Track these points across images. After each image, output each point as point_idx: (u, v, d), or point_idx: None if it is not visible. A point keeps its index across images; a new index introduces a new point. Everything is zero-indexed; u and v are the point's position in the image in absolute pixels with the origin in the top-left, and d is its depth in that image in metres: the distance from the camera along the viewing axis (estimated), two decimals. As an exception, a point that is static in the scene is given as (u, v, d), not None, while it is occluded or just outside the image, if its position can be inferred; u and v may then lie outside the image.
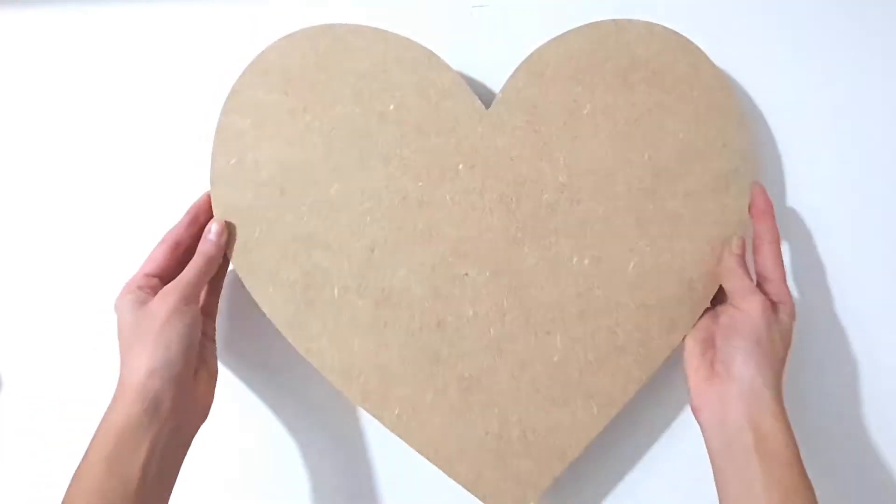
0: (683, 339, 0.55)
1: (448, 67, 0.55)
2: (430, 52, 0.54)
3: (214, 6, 0.59)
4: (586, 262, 0.55)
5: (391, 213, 0.54)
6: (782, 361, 0.52)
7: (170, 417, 0.49)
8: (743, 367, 0.50)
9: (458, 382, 0.55)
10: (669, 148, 0.55)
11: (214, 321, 0.57)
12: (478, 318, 0.55)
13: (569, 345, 0.55)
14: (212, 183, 0.54)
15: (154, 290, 0.52)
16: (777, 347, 0.51)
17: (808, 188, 0.61)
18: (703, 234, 0.55)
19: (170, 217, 0.54)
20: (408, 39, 0.54)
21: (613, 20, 0.55)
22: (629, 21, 0.55)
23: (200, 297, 0.55)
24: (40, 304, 0.60)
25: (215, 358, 0.56)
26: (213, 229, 0.53)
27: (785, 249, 0.60)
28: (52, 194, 0.60)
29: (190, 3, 0.59)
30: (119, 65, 0.60)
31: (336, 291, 0.54)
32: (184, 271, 0.52)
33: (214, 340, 0.56)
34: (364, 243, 0.54)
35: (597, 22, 0.55)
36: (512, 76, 0.55)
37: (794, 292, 0.60)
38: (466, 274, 0.55)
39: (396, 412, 0.54)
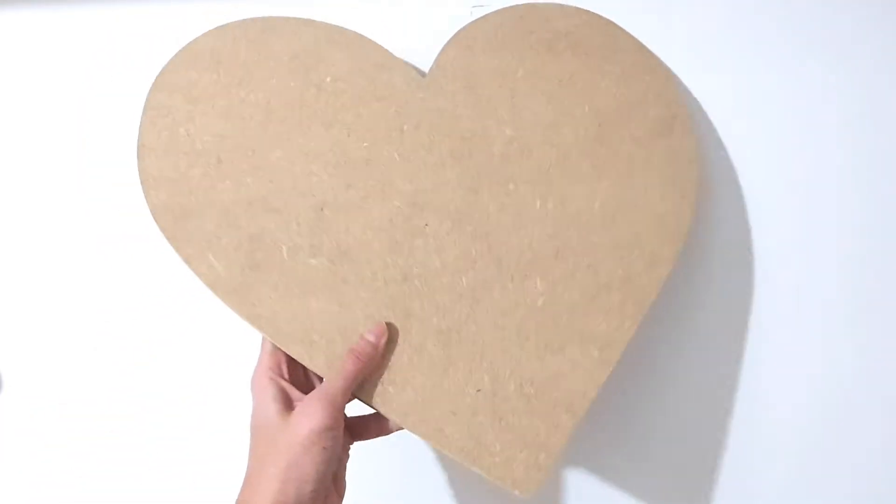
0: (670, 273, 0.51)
1: (380, 46, 0.55)
2: (361, 34, 0.55)
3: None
4: (550, 204, 0.52)
5: (338, 172, 0.51)
6: None
7: None
8: None
9: (435, 336, 0.47)
10: (606, 101, 0.56)
11: (358, 435, 0.49)
12: (446, 268, 0.49)
13: (550, 287, 0.49)
14: (138, 157, 0.49)
15: (283, 376, 0.46)
16: None
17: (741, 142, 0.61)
18: (659, 172, 0.54)
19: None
20: (338, 26, 0.55)
21: (527, 3, 0.59)
22: (543, 3, 0.59)
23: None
24: (40, 304, 0.58)
25: (345, 473, 0.48)
26: (371, 329, 0.47)
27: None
28: (51, 194, 0.58)
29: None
30: (114, 65, 0.58)
31: (285, 252, 0.48)
32: (331, 377, 0.45)
33: (348, 454, 0.48)
34: (312, 202, 0.50)
35: (513, 5, 0.59)
36: (442, 51, 0.56)
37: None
38: (427, 224, 0.50)
39: (370, 379, 0.46)
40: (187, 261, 0.47)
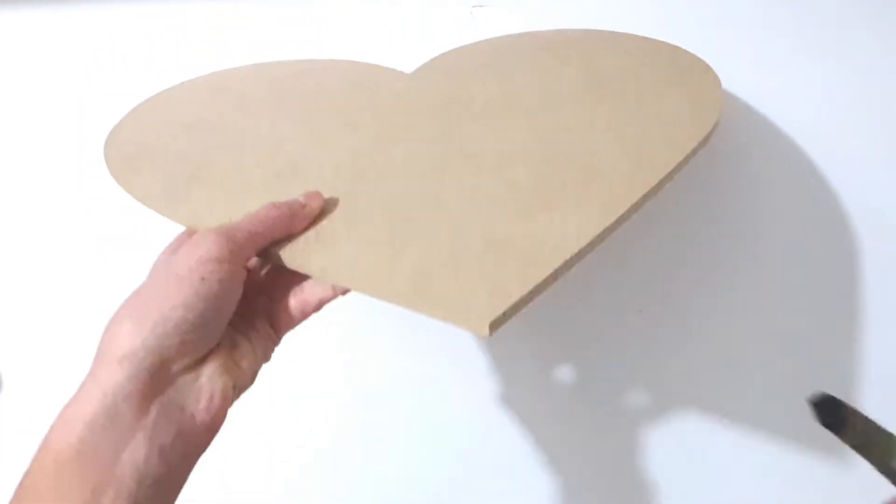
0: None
1: (373, 64, 0.55)
2: (358, 61, 0.56)
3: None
4: (539, 127, 0.45)
5: (305, 123, 0.48)
6: None
7: (134, 425, 0.31)
8: None
9: (382, 212, 0.38)
10: (609, 67, 0.51)
11: (280, 325, 0.38)
12: (408, 166, 0.42)
13: (536, 173, 0.40)
14: (109, 134, 0.49)
15: None
16: None
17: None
18: (673, 101, 0.46)
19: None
20: (340, 59, 0.57)
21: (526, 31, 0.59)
22: (543, 31, 0.58)
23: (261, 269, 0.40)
24: (40, 304, 0.58)
25: (250, 374, 0.36)
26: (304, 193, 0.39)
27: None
28: (51, 194, 0.58)
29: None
30: (114, 65, 0.58)
31: (231, 168, 0.43)
32: (242, 218, 0.37)
33: (263, 348, 0.37)
34: (272, 137, 0.46)
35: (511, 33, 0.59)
36: (430, 59, 0.55)
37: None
38: (393, 147, 0.44)
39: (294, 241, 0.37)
40: (124, 182, 0.43)
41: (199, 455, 0.33)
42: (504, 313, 0.30)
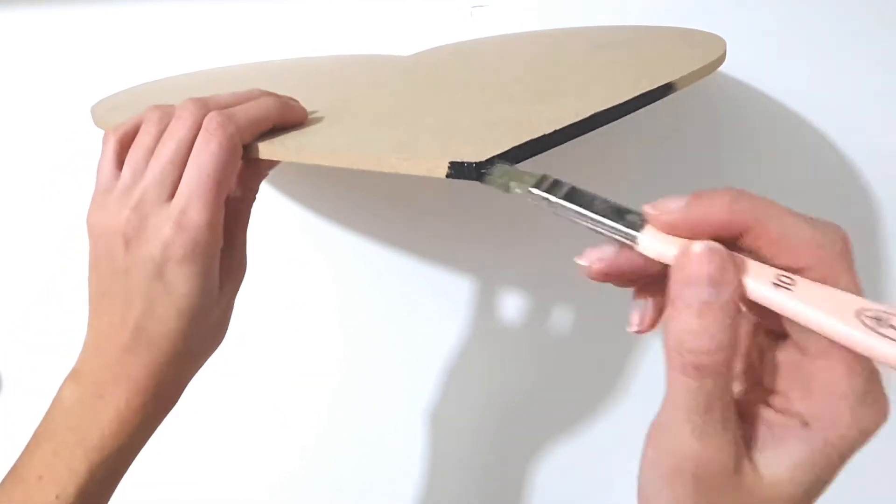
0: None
1: (378, 55, 0.55)
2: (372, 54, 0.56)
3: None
4: (537, 68, 0.44)
5: (300, 82, 0.47)
6: None
7: None
8: None
9: (369, 114, 0.36)
10: (610, 38, 0.51)
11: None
12: (399, 92, 0.40)
13: (532, 86, 0.39)
14: (99, 100, 0.48)
15: None
16: None
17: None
18: (677, 46, 0.46)
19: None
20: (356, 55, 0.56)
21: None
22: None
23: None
24: (40, 304, 0.58)
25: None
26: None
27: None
28: (51, 194, 0.57)
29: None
30: (114, 65, 0.57)
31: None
32: (240, 106, 0.35)
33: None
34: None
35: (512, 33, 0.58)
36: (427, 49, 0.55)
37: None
38: (385, 86, 0.43)
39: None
40: (99, 121, 0.42)
41: None
42: (491, 158, 0.28)
